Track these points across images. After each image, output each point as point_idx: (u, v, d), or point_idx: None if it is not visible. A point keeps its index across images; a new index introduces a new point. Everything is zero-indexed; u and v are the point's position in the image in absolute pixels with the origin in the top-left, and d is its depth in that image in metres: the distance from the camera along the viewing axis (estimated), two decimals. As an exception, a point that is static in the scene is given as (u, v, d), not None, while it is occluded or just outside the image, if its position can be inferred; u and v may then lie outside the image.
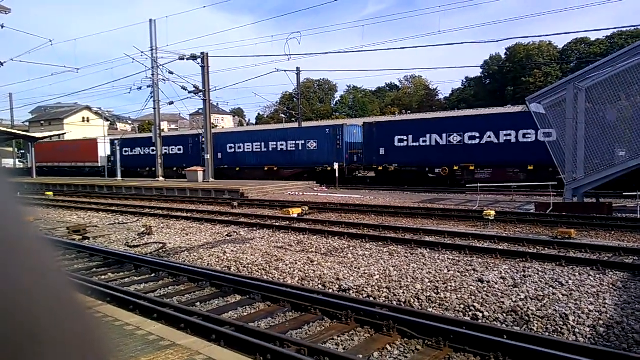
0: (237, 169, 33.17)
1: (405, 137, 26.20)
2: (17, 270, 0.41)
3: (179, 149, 36.82)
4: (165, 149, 35.18)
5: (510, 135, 23.12)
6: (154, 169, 34.07)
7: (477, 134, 23.98)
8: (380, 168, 27.28)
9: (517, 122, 22.84)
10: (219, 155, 33.46)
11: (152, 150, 35.22)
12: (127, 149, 39.80)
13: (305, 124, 40.97)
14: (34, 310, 0.40)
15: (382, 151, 26.87)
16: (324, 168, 28.42)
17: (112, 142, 39.22)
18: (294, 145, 30.60)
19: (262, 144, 32.25)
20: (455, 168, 24.62)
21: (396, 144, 26.42)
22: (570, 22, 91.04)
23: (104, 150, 42.44)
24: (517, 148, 22.96)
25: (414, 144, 25.91)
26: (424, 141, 25.59)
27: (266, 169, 31.88)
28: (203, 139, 31.03)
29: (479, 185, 18.68)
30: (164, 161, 32.74)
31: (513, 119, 23.44)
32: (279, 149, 31.23)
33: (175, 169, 35.96)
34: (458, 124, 25.07)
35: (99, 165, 42.38)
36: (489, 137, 23.64)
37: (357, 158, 29.02)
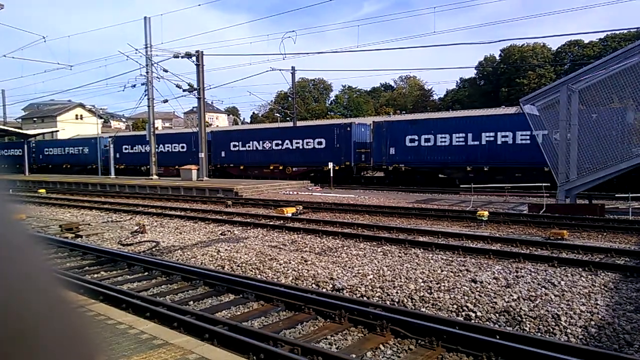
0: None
1: (139, 146, 37.24)
2: (5, 269, 0.40)
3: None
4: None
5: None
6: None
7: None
8: (121, 166, 38.46)
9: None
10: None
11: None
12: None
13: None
14: (22, 310, 0.40)
15: (118, 155, 38.06)
16: (92, 167, 40.49)
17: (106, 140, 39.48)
18: (77, 150, 43.14)
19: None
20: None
21: (124, 150, 39.15)
22: (564, 24, 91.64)
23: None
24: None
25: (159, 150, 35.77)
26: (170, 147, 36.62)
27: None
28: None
29: (473, 186, 18.77)
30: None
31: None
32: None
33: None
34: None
35: None
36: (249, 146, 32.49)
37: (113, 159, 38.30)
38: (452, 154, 25.01)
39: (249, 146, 31.83)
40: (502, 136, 23.50)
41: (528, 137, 21.87)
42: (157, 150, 33.91)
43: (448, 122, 26.17)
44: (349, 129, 28.17)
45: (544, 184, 16.85)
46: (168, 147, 36.13)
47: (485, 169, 23.94)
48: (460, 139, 24.74)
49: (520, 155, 22.70)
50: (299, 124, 39.13)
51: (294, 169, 29.90)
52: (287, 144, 29.73)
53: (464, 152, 24.67)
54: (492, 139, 23.81)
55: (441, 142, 25.25)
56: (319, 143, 28.95)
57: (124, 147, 38.77)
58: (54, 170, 44.10)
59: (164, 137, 36.89)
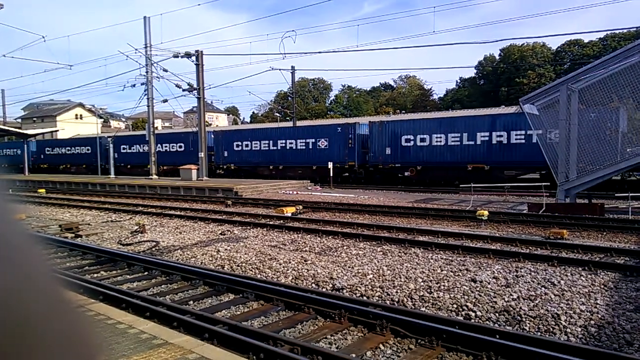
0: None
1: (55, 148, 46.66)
2: (4, 269, 0.40)
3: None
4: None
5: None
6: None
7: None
8: (44, 165, 46.45)
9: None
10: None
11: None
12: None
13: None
14: (21, 310, 0.40)
15: (41, 156, 47.23)
16: (19, 166, 45.30)
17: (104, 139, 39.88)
18: (13, 152, 50.20)
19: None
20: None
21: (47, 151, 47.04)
22: (563, 23, 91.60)
23: None
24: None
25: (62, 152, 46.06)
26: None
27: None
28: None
29: (473, 185, 18.77)
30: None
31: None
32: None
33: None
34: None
35: None
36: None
37: (37, 159, 47.36)
38: (261, 157, 32.85)
39: (133, 149, 39.65)
40: (289, 143, 31.57)
41: (304, 144, 30.69)
42: (55, 152, 45.72)
43: (258, 132, 34.72)
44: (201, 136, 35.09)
45: (543, 184, 16.86)
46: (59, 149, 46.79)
47: (280, 168, 31.54)
48: (265, 145, 32.72)
49: (300, 157, 30.93)
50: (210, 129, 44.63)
51: (164, 168, 37.11)
52: (161, 147, 36.89)
53: (267, 155, 32.50)
54: (283, 144, 31.81)
55: (254, 147, 33.14)
56: (180, 147, 36.75)
57: (46, 149, 47.30)
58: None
59: (56, 141, 49.35)
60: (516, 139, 23.28)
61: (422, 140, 25.86)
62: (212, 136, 35.64)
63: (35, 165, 47.28)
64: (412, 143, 26.22)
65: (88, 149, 42.92)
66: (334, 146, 29.09)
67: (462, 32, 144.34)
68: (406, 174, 26.37)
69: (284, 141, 31.74)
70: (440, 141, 25.20)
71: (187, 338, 4.55)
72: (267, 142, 32.65)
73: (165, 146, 37.59)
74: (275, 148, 32.13)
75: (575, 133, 14.41)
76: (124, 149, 39.84)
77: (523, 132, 22.69)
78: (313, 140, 30.23)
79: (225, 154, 34.30)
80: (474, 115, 29.27)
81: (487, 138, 23.99)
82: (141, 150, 38.48)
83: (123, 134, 46.95)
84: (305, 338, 5.18)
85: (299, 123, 41.46)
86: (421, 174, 26.04)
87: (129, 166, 38.92)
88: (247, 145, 33.49)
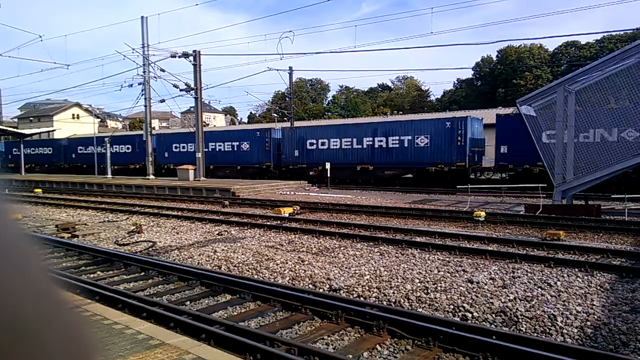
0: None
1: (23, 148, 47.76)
2: (1, 269, 0.40)
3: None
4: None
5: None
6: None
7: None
8: (12, 165, 49.33)
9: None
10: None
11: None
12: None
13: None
14: (18, 310, 0.40)
15: (9, 156, 50.52)
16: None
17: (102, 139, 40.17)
18: None
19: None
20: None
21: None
22: (561, 25, 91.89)
23: None
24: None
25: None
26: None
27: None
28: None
29: (470, 186, 18.81)
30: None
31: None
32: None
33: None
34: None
35: None
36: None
37: (5, 159, 50.92)
38: (195, 157, 33.12)
39: (88, 150, 42.74)
40: (218, 145, 35.09)
41: (230, 146, 34.47)
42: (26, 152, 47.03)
43: (191, 135, 35.03)
44: (144, 138, 37.70)
45: (540, 185, 16.90)
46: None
47: (211, 168, 34.23)
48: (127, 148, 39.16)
49: (227, 157, 34.47)
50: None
51: (115, 167, 39.49)
52: (112, 148, 39.71)
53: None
54: (213, 147, 35.00)
55: (190, 149, 35.02)
56: (128, 148, 40.48)
57: (13, 150, 49.88)
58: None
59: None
60: (392, 144, 27.45)
61: (323, 144, 30.43)
62: (155, 139, 39.17)
63: (4, 165, 50.47)
64: (315, 147, 30.70)
65: (50, 150, 47.51)
66: (254, 149, 32.91)
67: (460, 33, 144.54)
68: (311, 173, 30.30)
69: (213, 143, 35.09)
70: (337, 145, 29.74)
71: (184, 339, 4.54)
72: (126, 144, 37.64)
73: (116, 147, 40.85)
74: (206, 150, 34.53)
75: (572, 134, 14.45)
76: (80, 150, 44.70)
77: (398, 137, 27.25)
78: (237, 143, 34.07)
79: (166, 155, 38.14)
80: (361, 122, 33.81)
81: (371, 143, 28.41)
82: (92, 152, 42.51)
83: (79, 136, 50.84)
84: (302, 339, 5.17)
85: (297, 124, 41.78)
86: (322, 173, 29.20)
87: (84, 165, 43.29)
88: (183, 147, 37.16)
